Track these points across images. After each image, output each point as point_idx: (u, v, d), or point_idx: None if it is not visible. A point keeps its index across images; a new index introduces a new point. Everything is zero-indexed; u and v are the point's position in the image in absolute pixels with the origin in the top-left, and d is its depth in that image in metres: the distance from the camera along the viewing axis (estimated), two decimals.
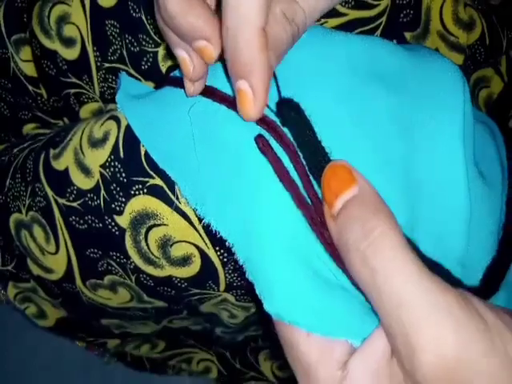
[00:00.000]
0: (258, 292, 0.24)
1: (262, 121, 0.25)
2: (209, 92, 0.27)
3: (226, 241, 0.26)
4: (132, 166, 0.30)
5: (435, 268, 0.24)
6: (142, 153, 0.29)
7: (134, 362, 0.54)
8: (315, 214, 0.24)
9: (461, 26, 0.34)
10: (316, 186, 0.24)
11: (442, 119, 0.26)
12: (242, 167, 0.25)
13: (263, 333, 0.47)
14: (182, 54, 0.25)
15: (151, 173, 0.29)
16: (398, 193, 0.24)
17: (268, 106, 0.25)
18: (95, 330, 0.44)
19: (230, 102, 0.26)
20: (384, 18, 0.32)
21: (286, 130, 0.25)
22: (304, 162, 0.24)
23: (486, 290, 0.25)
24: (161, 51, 0.34)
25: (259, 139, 0.24)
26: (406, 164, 0.25)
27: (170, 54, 0.34)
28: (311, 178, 0.24)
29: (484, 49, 0.36)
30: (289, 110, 0.24)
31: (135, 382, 0.60)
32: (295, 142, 0.24)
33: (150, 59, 0.35)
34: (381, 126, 0.25)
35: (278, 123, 0.25)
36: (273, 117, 0.25)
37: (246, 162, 0.25)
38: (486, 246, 0.26)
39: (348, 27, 0.31)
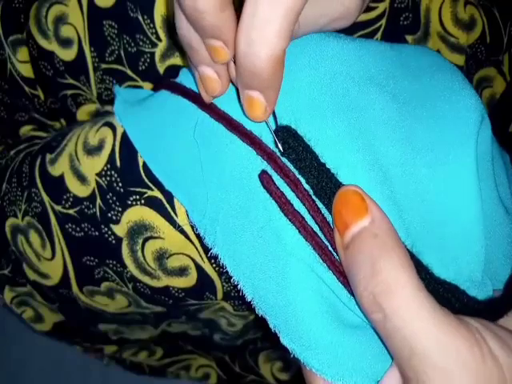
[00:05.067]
0: (272, 327, 0.24)
1: (263, 151, 0.25)
2: (205, 105, 0.27)
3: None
4: (129, 176, 0.30)
5: (451, 291, 0.23)
6: (140, 163, 0.29)
7: (132, 366, 0.53)
8: (324, 243, 0.23)
9: (460, 26, 0.33)
10: (324, 210, 0.23)
11: (454, 134, 0.25)
12: (250, 203, 0.25)
13: (262, 334, 0.47)
14: (208, 72, 0.25)
15: (149, 184, 0.29)
16: (401, 210, 0.24)
17: (268, 122, 0.25)
18: (92, 335, 0.44)
19: (228, 122, 0.26)
20: (383, 21, 0.32)
21: (285, 159, 0.24)
22: (308, 188, 0.24)
23: (509, 296, 0.25)
24: (158, 51, 0.34)
25: (263, 177, 0.24)
26: (407, 177, 0.24)
27: (167, 55, 0.34)
28: (318, 202, 0.24)
29: (485, 47, 0.35)
30: (287, 138, 0.24)
31: (135, 382, 0.60)
32: (296, 170, 0.24)
33: (148, 60, 0.34)
34: (380, 137, 0.24)
35: (278, 154, 0.24)
36: (272, 146, 0.25)
37: (254, 198, 0.25)
38: (508, 251, 0.26)
39: (348, 31, 0.31)
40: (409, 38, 0.33)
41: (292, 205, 0.24)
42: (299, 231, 0.24)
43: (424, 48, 0.29)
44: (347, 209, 0.22)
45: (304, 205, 0.24)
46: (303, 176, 0.24)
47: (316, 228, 0.24)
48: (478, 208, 0.24)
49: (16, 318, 0.42)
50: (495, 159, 0.27)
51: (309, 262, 0.23)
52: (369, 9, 0.31)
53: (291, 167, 0.24)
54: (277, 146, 0.24)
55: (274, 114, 0.25)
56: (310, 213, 0.24)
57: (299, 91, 0.25)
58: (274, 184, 0.24)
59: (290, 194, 0.24)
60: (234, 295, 0.33)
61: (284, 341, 0.23)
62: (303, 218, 0.24)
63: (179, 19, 0.24)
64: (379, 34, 0.32)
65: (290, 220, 0.24)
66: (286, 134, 0.24)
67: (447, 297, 0.23)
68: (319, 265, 0.23)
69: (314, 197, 0.24)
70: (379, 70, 0.26)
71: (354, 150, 0.24)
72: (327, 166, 0.24)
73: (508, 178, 0.28)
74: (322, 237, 0.23)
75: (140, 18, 0.33)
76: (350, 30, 0.31)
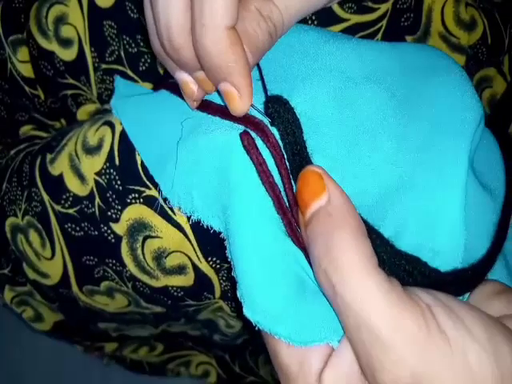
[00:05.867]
0: (238, 295, 0.23)
1: (249, 122, 0.24)
2: (204, 106, 0.26)
3: (218, 249, 0.25)
4: (128, 175, 0.30)
5: (412, 263, 0.23)
6: (139, 162, 0.29)
7: (132, 365, 0.53)
8: (293, 219, 0.23)
9: (462, 26, 0.33)
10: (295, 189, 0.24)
11: (447, 128, 0.25)
12: (227, 167, 0.24)
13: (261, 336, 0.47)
14: (184, 77, 0.25)
15: (147, 183, 0.29)
16: (378, 200, 0.24)
17: (253, 106, 0.24)
18: (92, 333, 0.44)
19: (223, 112, 0.25)
20: (384, 22, 0.32)
21: (274, 129, 0.24)
22: (287, 164, 0.24)
23: (475, 268, 0.25)
24: None
25: (244, 136, 0.24)
26: (396, 163, 0.24)
27: None
28: (292, 180, 0.24)
29: (486, 48, 0.35)
30: (278, 106, 0.24)
31: (135, 382, 0.60)
32: (282, 141, 0.24)
33: (148, 60, 0.34)
34: (375, 132, 0.24)
35: (266, 123, 0.24)
36: (261, 117, 0.24)
37: (231, 162, 0.24)
38: (484, 231, 0.26)
39: (349, 32, 0.31)
40: (408, 38, 0.33)
41: (271, 174, 0.24)
42: (273, 202, 0.23)
43: (424, 46, 0.29)
44: (307, 189, 0.22)
45: (282, 179, 0.24)
46: (286, 151, 0.24)
47: (287, 204, 0.24)
48: (462, 201, 0.24)
49: (16, 317, 0.42)
50: (484, 143, 0.27)
51: (276, 232, 0.23)
52: (370, 10, 0.31)
53: (278, 138, 0.24)
54: (266, 115, 0.24)
55: (264, 86, 0.24)
56: (285, 189, 0.24)
57: (293, 78, 0.25)
58: (256, 148, 0.24)
59: (271, 164, 0.24)
60: (231, 296, 0.33)
61: (247, 313, 0.23)
62: (279, 190, 0.24)
63: (152, 38, 0.25)
64: (379, 35, 0.32)
65: (266, 189, 0.23)
66: (277, 104, 0.24)
67: (408, 269, 0.23)
68: (287, 237, 0.24)
69: (290, 175, 0.24)
70: (377, 68, 0.26)
71: (339, 137, 0.24)
72: (306, 144, 0.24)
73: (500, 159, 0.28)
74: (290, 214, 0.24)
75: (141, 18, 0.33)
76: (350, 32, 0.31)
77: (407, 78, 0.26)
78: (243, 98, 0.23)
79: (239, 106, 0.24)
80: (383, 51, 0.27)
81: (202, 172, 0.25)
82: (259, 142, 0.24)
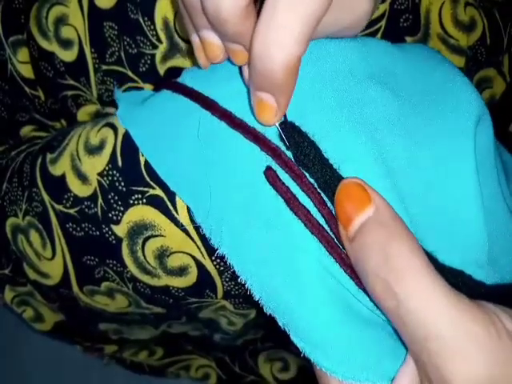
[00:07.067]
0: (281, 325, 0.23)
1: (267, 147, 0.25)
2: (208, 104, 0.26)
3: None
4: (131, 176, 0.30)
5: (456, 277, 0.23)
6: (142, 162, 0.29)
7: (133, 366, 0.54)
8: (330, 236, 0.23)
9: (460, 28, 0.34)
10: (329, 203, 0.23)
11: (453, 128, 0.25)
12: (256, 199, 0.25)
13: (262, 335, 0.47)
14: (212, 38, 0.24)
15: (151, 183, 0.29)
16: (404, 201, 0.24)
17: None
18: (92, 334, 0.44)
19: (230, 119, 0.26)
20: (383, 23, 0.32)
21: (289, 153, 0.24)
22: (312, 181, 0.24)
23: None
24: (159, 53, 0.34)
25: (268, 173, 0.24)
26: (411, 170, 0.24)
27: (168, 56, 0.34)
28: (323, 195, 0.24)
29: (485, 48, 0.35)
30: (292, 133, 0.24)
31: (135, 382, 0.60)
32: (300, 164, 0.24)
33: (148, 61, 0.34)
34: (383, 132, 0.24)
35: (282, 148, 0.24)
36: (277, 141, 0.25)
37: (259, 195, 0.24)
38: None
39: None
40: (409, 39, 0.33)
41: (297, 199, 0.24)
42: (305, 225, 0.23)
43: (423, 46, 0.29)
44: (350, 201, 0.22)
45: (310, 198, 0.24)
46: (307, 171, 0.24)
47: (322, 221, 0.23)
48: (479, 199, 0.24)
49: (16, 317, 0.42)
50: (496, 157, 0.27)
51: (316, 256, 0.23)
52: None
53: (295, 162, 0.24)
54: (281, 141, 0.24)
55: None
56: (316, 206, 0.24)
57: (302, 87, 0.25)
58: (279, 179, 0.24)
59: (295, 189, 0.24)
60: (235, 293, 0.33)
61: (294, 339, 0.23)
62: (309, 212, 0.23)
63: None
64: (379, 36, 0.32)
65: (295, 214, 0.24)
66: (291, 130, 0.24)
67: (454, 282, 0.23)
68: (326, 258, 0.23)
69: (319, 190, 0.24)
70: (380, 68, 0.26)
71: (357, 144, 0.24)
72: (330, 161, 0.24)
73: (507, 176, 0.28)
74: (329, 230, 0.23)
75: (140, 19, 0.33)
76: None
77: (409, 78, 0.26)
78: (278, 114, 0.23)
79: (270, 119, 0.23)
80: (386, 51, 0.27)
81: (230, 209, 0.25)
82: (279, 170, 0.24)
